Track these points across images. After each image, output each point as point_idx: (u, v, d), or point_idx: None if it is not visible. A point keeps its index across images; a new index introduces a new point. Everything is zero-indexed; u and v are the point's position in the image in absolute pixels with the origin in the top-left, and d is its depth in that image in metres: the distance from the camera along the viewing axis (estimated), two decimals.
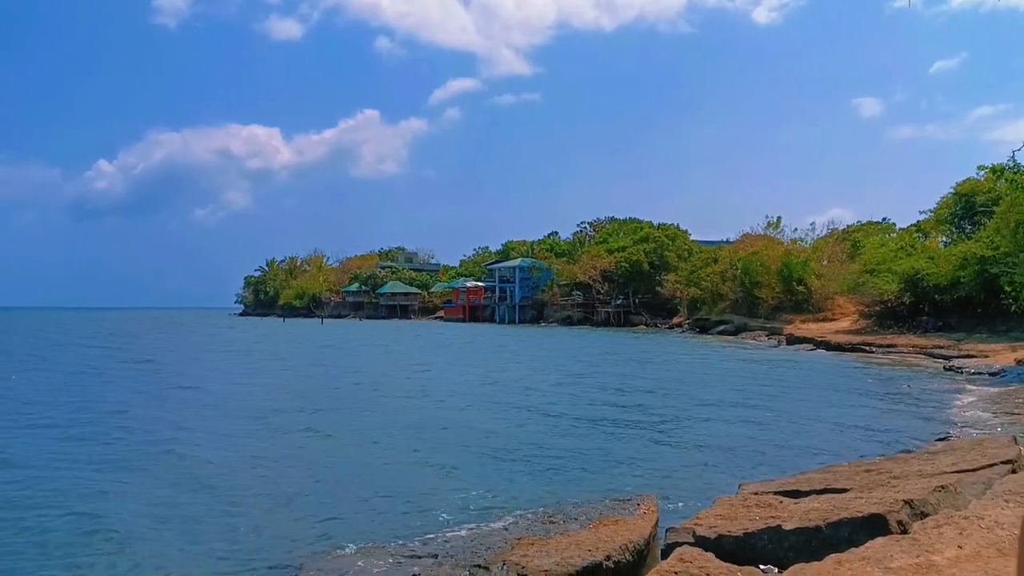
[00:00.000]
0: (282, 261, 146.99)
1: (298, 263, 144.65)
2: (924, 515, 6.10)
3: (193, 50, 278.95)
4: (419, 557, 6.71)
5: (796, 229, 69.69)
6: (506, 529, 7.60)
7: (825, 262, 55.40)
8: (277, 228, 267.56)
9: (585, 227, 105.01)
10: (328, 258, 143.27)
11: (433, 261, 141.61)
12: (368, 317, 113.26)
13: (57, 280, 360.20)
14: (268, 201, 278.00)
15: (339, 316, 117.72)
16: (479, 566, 6.26)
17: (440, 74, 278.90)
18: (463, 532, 7.65)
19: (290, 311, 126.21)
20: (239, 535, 7.84)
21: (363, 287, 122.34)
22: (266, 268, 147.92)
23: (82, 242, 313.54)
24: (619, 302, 78.75)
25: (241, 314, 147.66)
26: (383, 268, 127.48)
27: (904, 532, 5.63)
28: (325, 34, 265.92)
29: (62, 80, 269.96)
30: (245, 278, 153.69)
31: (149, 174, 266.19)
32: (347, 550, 7.21)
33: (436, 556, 6.70)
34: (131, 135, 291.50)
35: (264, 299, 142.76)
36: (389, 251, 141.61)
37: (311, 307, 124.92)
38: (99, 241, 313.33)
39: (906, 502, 6.20)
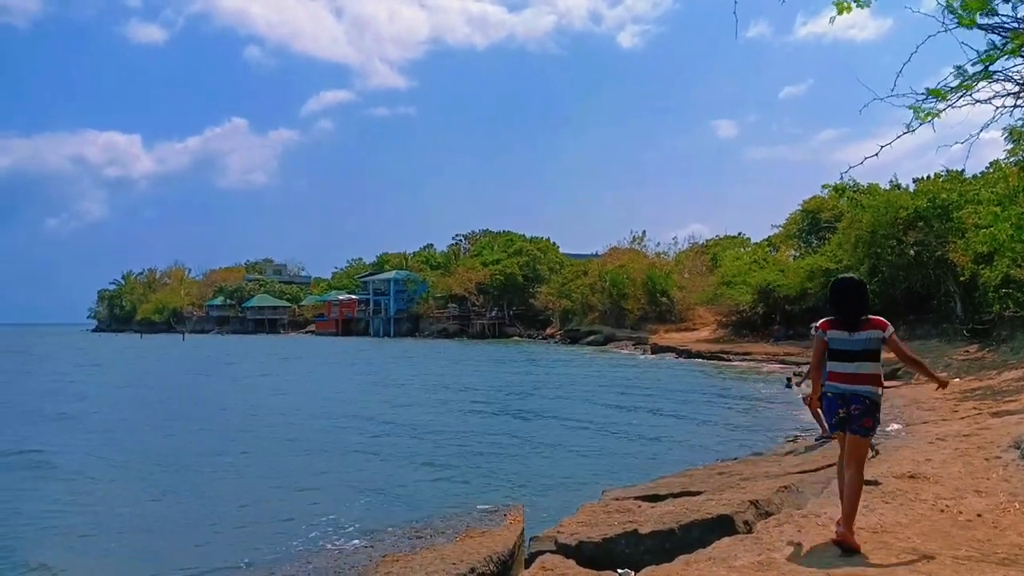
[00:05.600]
0: (140, 274, 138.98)
1: (158, 276, 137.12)
2: (768, 514, 6.49)
3: (46, 52, 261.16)
4: None
5: (659, 243, 72.95)
6: (372, 547, 7.48)
7: (686, 275, 57.96)
8: (136, 240, 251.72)
9: (460, 240, 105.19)
10: (191, 271, 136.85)
11: (304, 273, 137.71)
12: (234, 332, 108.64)
13: None
14: (126, 211, 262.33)
15: (202, 331, 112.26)
16: None
17: (312, 85, 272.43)
18: (328, 553, 7.46)
19: (149, 326, 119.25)
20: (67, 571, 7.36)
21: (228, 301, 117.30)
22: (122, 281, 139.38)
23: None
24: (494, 314, 79.29)
25: (95, 330, 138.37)
26: (250, 281, 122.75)
27: (750, 531, 5.97)
28: (190, 40, 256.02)
29: None
30: (99, 292, 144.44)
31: None
32: None
33: None
34: None
35: (120, 314, 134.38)
36: (256, 263, 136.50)
37: (172, 322, 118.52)
38: None
39: (752, 503, 6.57)
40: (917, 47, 7.16)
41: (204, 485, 11.10)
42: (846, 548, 4.90)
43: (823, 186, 43.88)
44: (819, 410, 10.83)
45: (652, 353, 43.36)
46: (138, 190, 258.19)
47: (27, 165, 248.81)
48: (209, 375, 34.75)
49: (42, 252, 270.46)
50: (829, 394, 5.16)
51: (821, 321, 5.22)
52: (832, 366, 5.14)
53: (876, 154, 7.81)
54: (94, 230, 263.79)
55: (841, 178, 19.48)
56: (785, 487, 7.28)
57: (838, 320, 5.09)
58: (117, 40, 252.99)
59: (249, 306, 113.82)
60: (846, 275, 5.34)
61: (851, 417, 5.04)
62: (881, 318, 5.08)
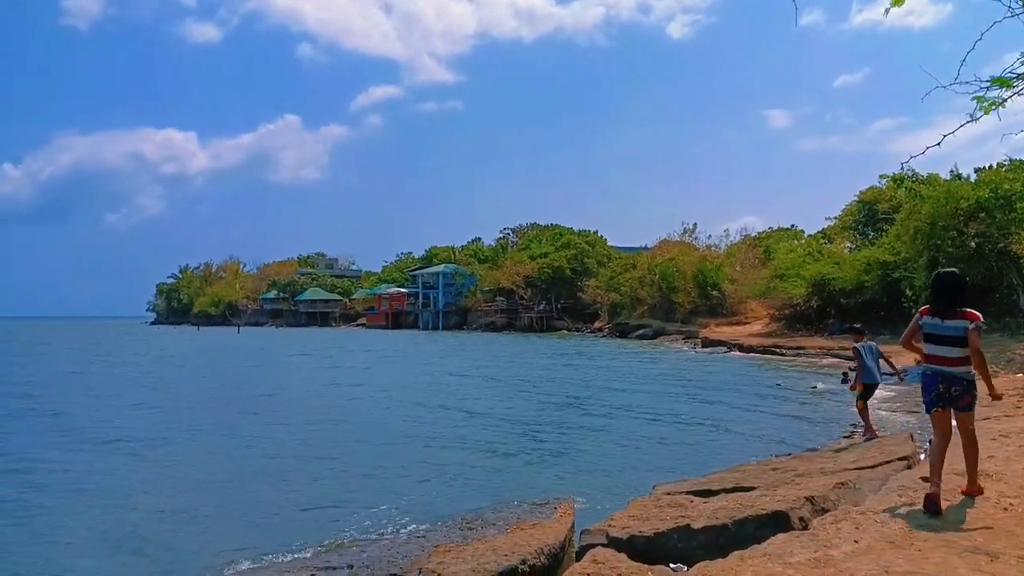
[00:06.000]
0: (197, 268, 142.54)
1: (213, 270, 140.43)
2: (824, 511, 6.38)
3: (105, 52, 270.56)
4: (334, 568, 6.61)
5: (710, 236, 71.83)
6: (423, 537, 7.57)
7: (738, 268, 56.99)
8: (192, 234, 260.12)
9: (508, 233, 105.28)
10: (245, 265, 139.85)
11: (355, 267, 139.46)
12: (287, 325, 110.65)
13: None
14: (183, 206, 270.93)
15: (257, 324, 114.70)
16: (395, 575, 6.24)
17: (362, 81, 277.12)
18: (380, 541, 7.58)
19: (205, 319, 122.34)
20: (149, 549, 7.65)
21: (282, 294, 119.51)
22: (179, 275, 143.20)
23: None
24: (542, 307, 79.24)
25: (153, 323, 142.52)
26: (303, 275, 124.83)
27: (805, 528, 5.88)
28: (244, 39, 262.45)
29: None
30: (157, 285, 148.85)
31: (57, 178, 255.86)
32: (261, 562, 7.08)
33: (351, 566, 6.62)
34: (38, 139, 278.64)
35: (177, 307, 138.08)
36: (309, 257, 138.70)
37: (227, 315, 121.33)
38: (1, 248, 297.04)
39: (808, 499, 6.47)
40: (982, 34, 6.91)
41: (269, 471, 11.42)
42: (972, 496, 5.89)
43: (880, 176, 42.66)
44: (865, 411, 10.75)
45: (703, 347, 42.80)
46: (194, 186, 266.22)
47: (87, 162, 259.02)
48: (269, 366, 35.56)
49: (102, 246, 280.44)
50: (928, 372, 5.79)
51: (924, 307, 5.87)
52: (928, 348, 5.79)
53: (939, 143, 7.58)
54: (152, 225, 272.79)
55: (901, 168, 19.03)
56: (842, 483, 7.15)
57: (935, 308, 5.72)
58: (173, 39, 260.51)
59: (302, 299, 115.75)
60: (948, 269, 5.96)
61: (951, 397, 5.66)
62: (974, 312, 5.62)
